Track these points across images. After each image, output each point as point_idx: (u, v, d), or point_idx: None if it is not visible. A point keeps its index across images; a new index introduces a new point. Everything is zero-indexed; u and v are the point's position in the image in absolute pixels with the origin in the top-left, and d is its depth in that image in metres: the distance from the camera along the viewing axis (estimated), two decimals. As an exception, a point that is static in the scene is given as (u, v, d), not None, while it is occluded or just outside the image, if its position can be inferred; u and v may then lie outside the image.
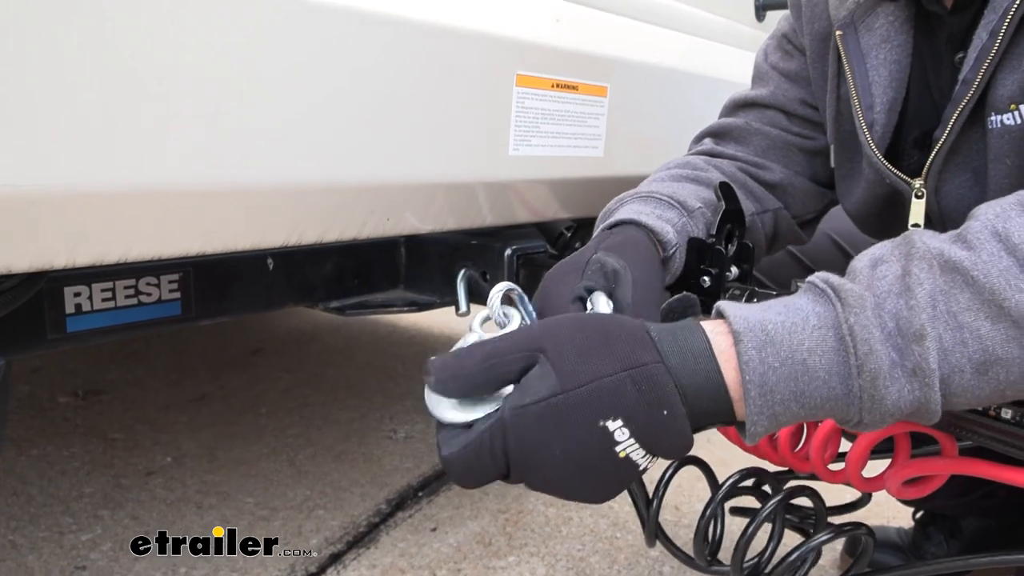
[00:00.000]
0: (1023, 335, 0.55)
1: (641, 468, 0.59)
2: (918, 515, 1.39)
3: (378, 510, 1.61)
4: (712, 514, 0.98)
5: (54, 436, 1.88)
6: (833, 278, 0.60)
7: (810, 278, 0.62)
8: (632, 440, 0.57)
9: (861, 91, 0.90)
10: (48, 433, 1.90)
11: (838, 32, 0.92)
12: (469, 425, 0.61)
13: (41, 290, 0.86)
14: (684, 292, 0.77)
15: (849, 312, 0.57)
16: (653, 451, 0.58)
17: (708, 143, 1.11)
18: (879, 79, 0.90)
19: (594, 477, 0.59)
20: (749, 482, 1.06)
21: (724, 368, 0.57)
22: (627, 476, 0.59)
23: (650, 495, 1.04)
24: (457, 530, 1.54)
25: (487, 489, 1.72)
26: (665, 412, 0.57)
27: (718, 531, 1.04)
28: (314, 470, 1.77)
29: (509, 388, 0.60)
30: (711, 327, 0.60)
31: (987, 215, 0.59)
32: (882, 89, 0.89)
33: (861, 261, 0.61)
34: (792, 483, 1.01)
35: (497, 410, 0.60)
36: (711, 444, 1.94)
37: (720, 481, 1.03)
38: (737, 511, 1.11)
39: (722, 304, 0.60)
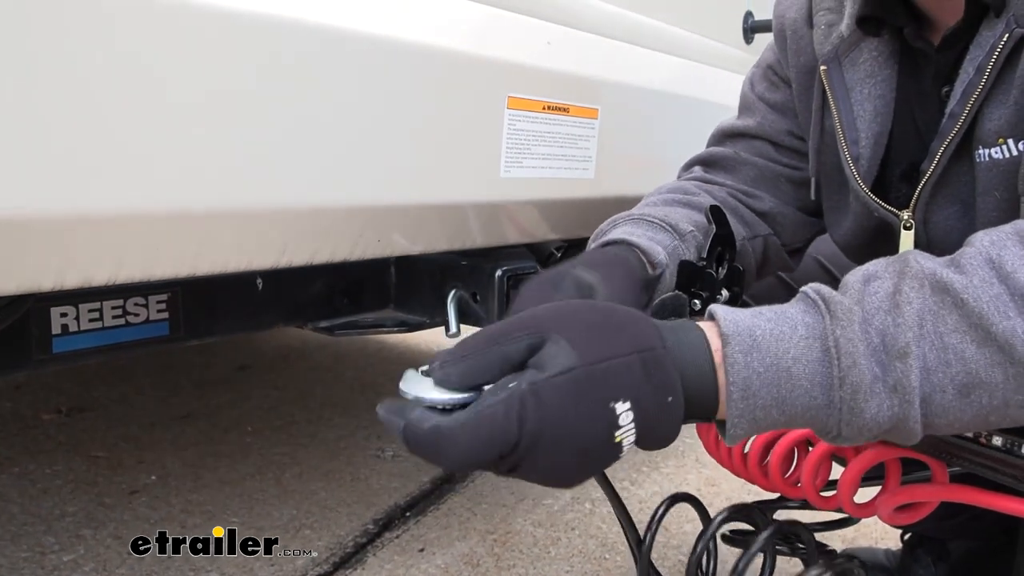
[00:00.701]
0: (1007, 361, 0.55)
1: (620, 456, 0.59)
2: (906, 537, 1.39)
3: (365, 530, 1.60)
4: (703, 548, 0.98)
5: (37, 454, 1.86)
6: (825, 290, 0.61)
7: (803, 288, 0.62)
8: (632, 426, 0.57)
9: (846, 126, 0.91)
10: (31, 451, 1.87)
11: (822, 67, 0.93)
12: (452, 409, 0.58)
13: (27, 311, 0.85)
14: (675, 291, 0.77)
15: (836, 324, 0.58)
16: (645, 440, 0.58)
17: (698, 171, 1.11)
18: (864, 113, 0.91)
19: (583, 459, 0.58)
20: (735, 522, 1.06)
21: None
22: (605, 462, 0.59)
23: (640, 534, 1.04)
24: (445, 551, 1.53)
25: (475, 509, 1.71)
26: (669, 399, 0.57)
27: (711, 566, 1.04)
28: (300, 489, 1.76)
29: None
30: (703, 327, 0.60)
31: (983, 242, 0.60)
32: (867, 124, 0.90)
33: (855, 276, 0.62)
34: (781, 517, 1.01)
35: (505, 384, 0.57)
36: (700, 464, 1.94)
37: (711, 513, 1.04)
38: (728, 540, 1.11)
39: (714, 307, 0.61)
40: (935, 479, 0.82)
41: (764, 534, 0.95)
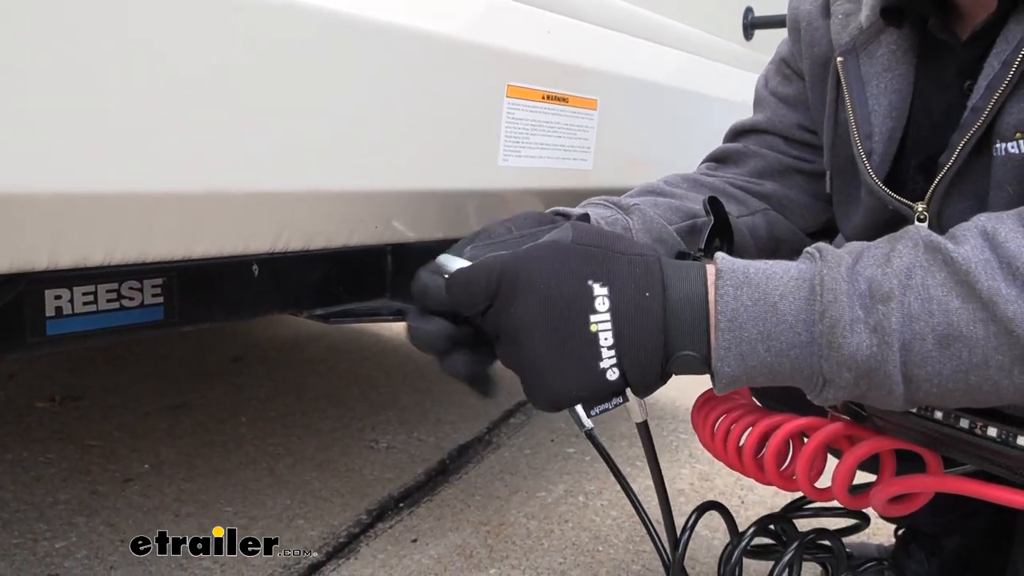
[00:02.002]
0: (990, 319, 0.57)
1: (603, 368, 0.61)
2: (899, 532, 1.39)
3: (358, 520, 1.60)
4: (736, 562, 0.99)
5: (30, 441, 1.85)
6: (825, 245, 0.64)
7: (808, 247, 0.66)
8: (608, 315, 0.60)
9: (860, 120, 0.90)
10: (24, 438, 1.87)
11: (839, 58, 0.92)
12: None
13: (21, 292, 0.84)
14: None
15: (824, 266, 0.61)
16: (621, 347, 0.61)
17: (704, 168, 1.12)
18: (879, 108, 0.90)
19: (560, 342, 0.61)
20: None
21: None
22: (588, 367, 0.61)
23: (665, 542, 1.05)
24: (438, 542, 1.53)
25: (469, 501, 1.71)
26: (647, 294, 0.61)
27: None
28: (294, 479, 1.75)
29: None
30: (704, 265, 0.64)
31: (980, 218, 0.62)
32: (881, 119, 0.90)
33: (858, 242, 0.65)
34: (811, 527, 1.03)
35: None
36: (693, 459, 1.94)
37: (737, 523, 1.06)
38: (752, 554, 1.12)
39: (717, 254, 0.64)
40: (929, 470, 0.82)
41: (792, 548, 0.97)
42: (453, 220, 1.09)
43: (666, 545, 1.04)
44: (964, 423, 0.72)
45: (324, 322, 1.20)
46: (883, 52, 0.90)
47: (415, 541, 1.53)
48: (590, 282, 0.61)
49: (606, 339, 0.61)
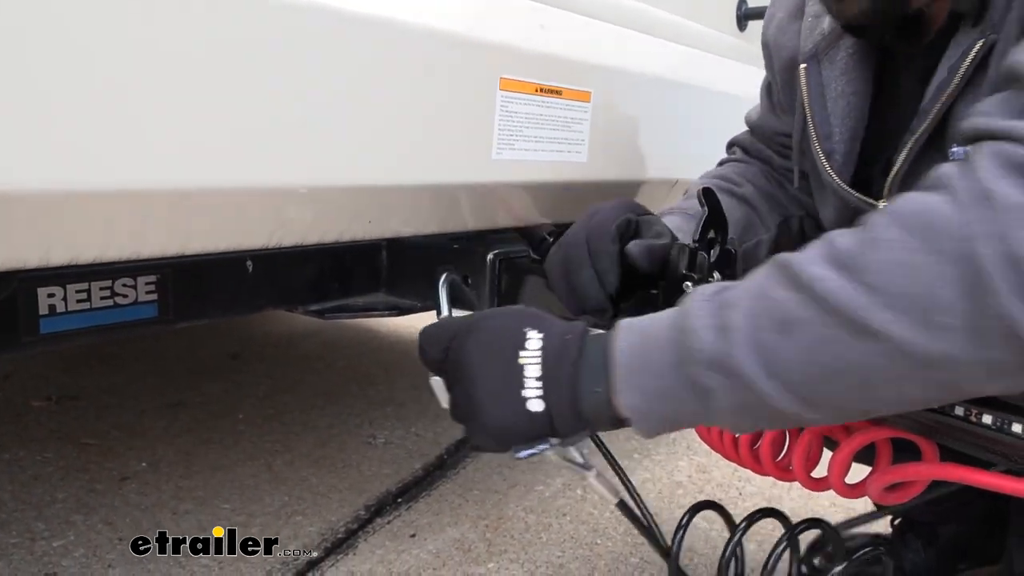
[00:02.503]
0: (812, 300, 0.64)
1: (526, 396, 0.71)
2: (896, 522, 1.39)
3: (356, 516, 1.60)
4: (731, 554, 1.00)
5: (27, 441, 1.85)
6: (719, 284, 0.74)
7: None
8: (537, 353, 0.72)
9: (819, 122, 0.96)
10: (21, 438, 1.86)
11: (803, 65, 0.97)
12: None
13: (14, 291, 0.84)
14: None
15: (693, 296, 0.71)
16: (546, 382, 0.71)
17: (739, 152, 1.25)
18: (837, 110, 0.95)
19: (492, 375, 0.73)
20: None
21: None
22: (514, 396, 0.71)
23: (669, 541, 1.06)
24: (436, 536, 1.53)
25: (467, 495, 1.71)
26: (568, 337, 0.73)
27: (740, 568, 1.06)
28: (292, 476, 1.75)
29: None
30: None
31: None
32: (840, 120, 0.95)
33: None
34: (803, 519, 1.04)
35: None
36: (691, 451, 1.94)
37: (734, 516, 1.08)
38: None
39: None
40: (925, 458, 0.82)
41: (785, 538, 0.98)
42: (447, 214, 1.09)
43: (664, 540, 1.05)
44: (959, 411, 0.73)
45: (320, 318, 1.20)
46: (842, 56, 0.94)
47: (413, 536, 1.53)
48: (526, 329, 0.74)
49: (532, 371, 0.72)
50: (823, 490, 0.92)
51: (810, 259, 0.66)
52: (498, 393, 0.72)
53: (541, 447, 0.74)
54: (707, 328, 0.68)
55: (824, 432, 0.90)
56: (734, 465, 1.06)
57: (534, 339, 0.73)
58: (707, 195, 0.97)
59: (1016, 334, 0.59)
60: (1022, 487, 0.72)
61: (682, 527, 1.03)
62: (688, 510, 1.05)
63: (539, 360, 0.72)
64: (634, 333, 0.72)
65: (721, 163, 1.30)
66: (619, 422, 0.73)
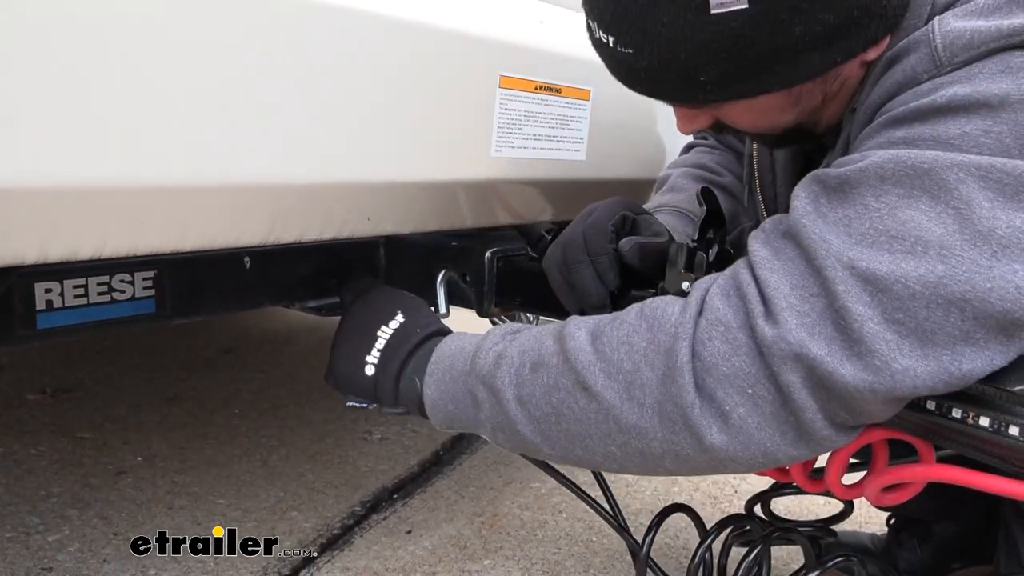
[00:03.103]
0: (562, 353, 0.79)
1: (367, 360, 0.92)
2: (891, 521, 1.40)
3: (352, 512, 1.60)
4: (700, 559, 1.01)
5: (22, 434, 1.84)
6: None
7: None
8: (391, 333, 0.93)
9: (765, 184, 1.07)
10: (15, 431, 1.86)
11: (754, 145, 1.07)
12: None
13: (11, 286, 0.84)
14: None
15: (500, 326, 0.90)
16: (384, 353, 0.91)
17: (711, 139, 1.29)
18: (782, 174, 1.05)
19: (357, 333, 0.95)
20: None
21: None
22: (359, 357, 0.92)
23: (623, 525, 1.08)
24: (432, 533, 1.53)
25: (463, 492, 1.71)
26: (419, 331, 0.93)
27: (708, 572, 1.07)
28: (287, 471, 1.75)
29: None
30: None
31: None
32: (783, 182, 1.05)
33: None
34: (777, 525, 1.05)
35: None
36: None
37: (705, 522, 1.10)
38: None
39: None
40: (922, 459, 0.82)
41: (758, 547, 1.00)
42: (446, 211, 1.09)
43: (635, 539, 1.07)
44: (956, 413, 0.73)
45: (317, 314, 1.19)
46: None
47: (409, 532, 1.53)
48: (397, 310, 0.95)
49: (380, 344, 0.92)
50: (821, 490, 0.92)
51: (579, 324, 0.81)
52: (352, 349, 0.93)
53: (363, 405, 0.94)
54: (491, 351, 0.84)
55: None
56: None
57: (396, 321, 0.93)
58: (706, 195, 0.97)
59: (691, 424, 0.71)
60: (1016, 488, 0.72)
61: (652, 528, 1.04)
62: (657, 514, 1.06)
63: (388, 338, 0.91)
64: (455, 342, 0.89)
65: (689, 148, 1.30)
66: (423, 411, 0.89)
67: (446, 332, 0.94)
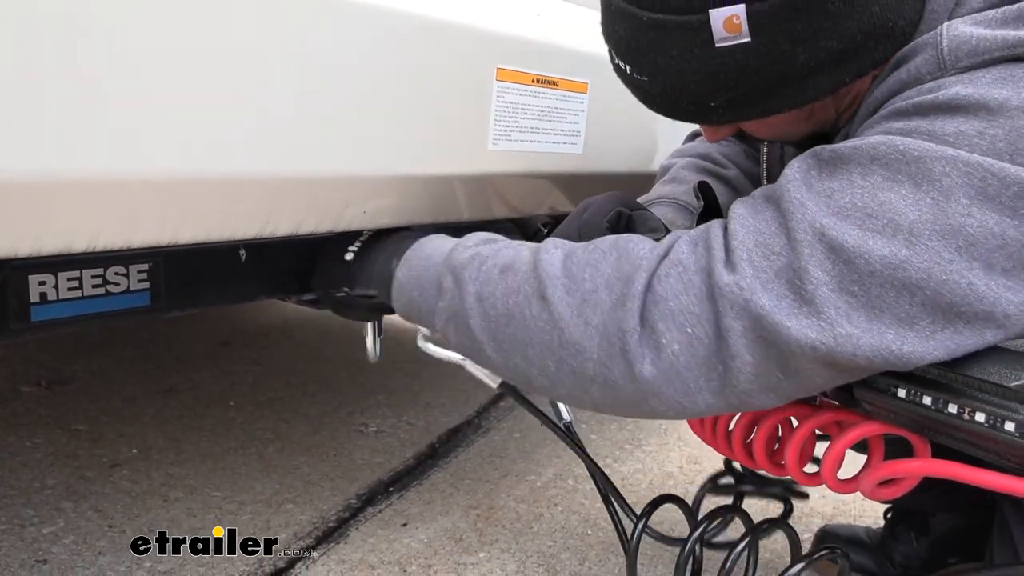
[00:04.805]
0: (532, 263, 0.83)
1: (348, 251, 1.02)
2: (888, 514, 1.40)
3: (348, 505, 1.60)
4: (690, 551, 1.01)
5: (16, 426, 1.84)
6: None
7: None
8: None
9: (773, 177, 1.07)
10: (10, 423, 1.85)
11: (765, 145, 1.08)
12: None
13: (4, 278, 0.83)
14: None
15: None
16: (364, 245, 1.03)
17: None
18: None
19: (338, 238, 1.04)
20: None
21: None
22: (342, 250, 1.03)
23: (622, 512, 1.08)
24: (428, 525, 1.53)
25: (458, 485, 1.71)
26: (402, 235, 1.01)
27: (697, 566, 1.07)
28: (283, 464, 1.75)
29: None
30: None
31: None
32: None
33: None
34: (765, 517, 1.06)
35: None
36: (682, 442, 1.95)
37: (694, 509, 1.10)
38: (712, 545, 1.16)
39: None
40: (917, 454, 0.82)
41: (746, 539, 1.00)
42: (442, 204, 1.08)
43: (626, 531, 1.08)
44: (952, 408, 0.73)
45: (313, 307, 1.19)
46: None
47: (405, 525, 1.53)
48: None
49: (363, 236, 1.02)
50: (816, 485, 0.92)
51: (557, 243, 0.84)
52: (335, 246, 1.03)
53: (335, 292, 1.03)
54: (467, 248, 0.89)
55: (817, 427, 0.90)
56: (725, 456, 1.06)
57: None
58: (703, 189, 0.97)
59: (626, 350, 0.75)
60: (1012, 484, 0.73)
61: (644, 517, 1.04)
62: (648, 504, 1.06)
63: (371, 232, 1.01)
64: (438, 238, 0.95)
65: (695, 135, 1.30)
66: (390, 294, 0.95)
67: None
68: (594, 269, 0.79)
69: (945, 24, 0.75)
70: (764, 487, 1.19)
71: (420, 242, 0.96)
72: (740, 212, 0.76)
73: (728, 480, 1.28)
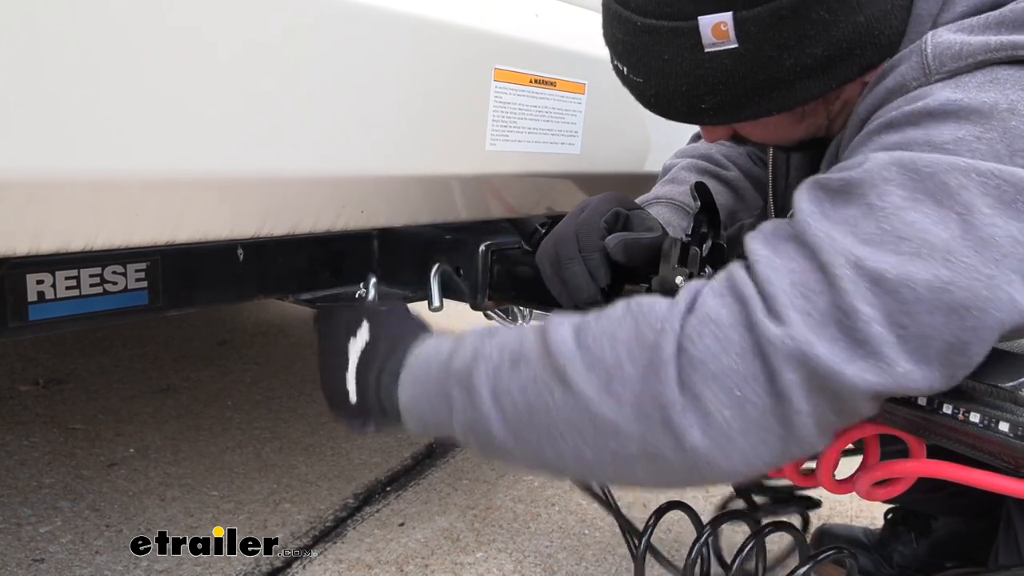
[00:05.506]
0: (544, 347, 0.76)
1: (347, 377, 0.87)
2: (890, 515, 1.40)
3: (345, 504, 1.60)
4: (697, 555, 1.01)
5: (13, 425, 1.84)
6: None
7: None
8: (361, 346, 0.88)
9: (779, 193, 1.09)
10: (7, 422, 1.85)
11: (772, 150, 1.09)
12: None
13: (2, 277, 0.83)
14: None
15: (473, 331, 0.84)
16: (362, 373, 0.87)
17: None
18: (794, 178, 1.06)
19: (327, 353, 0.91)
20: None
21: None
22: (339, 374, 0.88)
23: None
24: (425, 525, 1.53)
25: (456, 485, 1.71)
26: (385, 356, 0.87)
27: (707, 566, 1.07)
28: (281, 463, 1.75)
29: None
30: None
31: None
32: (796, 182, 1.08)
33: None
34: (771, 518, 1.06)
35: None
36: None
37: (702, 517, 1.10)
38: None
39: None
40: (912, 454, 0.83)
41: (752, 538, 1.00)
42: (440, 205, 1.09)
43: (634, 540, 1.08)
44: (947, 409, 0.73)
45: (311, 307, 1.19)
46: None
47: (402, 525, 1.53)
48: (362, 319, 0.90)
49: (352, 363, 0.88)
50: (813, 486, 0.93)
51: (563, 319, 0.78)
52: (331, 378, 0.90)
53: (366, 430, 0.89)
54: (468, 350, 0.80)
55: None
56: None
57: (362, 332, 0.89)
58: (700, 189, 0.97)
59: (670, 424, 0.69)
60: (1007, 484, 0.73)
61: (649, 527, 1.04)
62: (654, 512, 1.06)
63: (359, 353, 0.88)
64: (430, 344, 0.85)
65: (699, 136, 1.30)
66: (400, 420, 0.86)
67: (418, 331, 0.89)
68: (612, 340, 0.73)
69: (930, 32, 0.76)
70: (778, 505, 1.16)
71: (413, 354, 0.85)
72: (762, 255, 0.72)
73: (737, 503, 1.27)
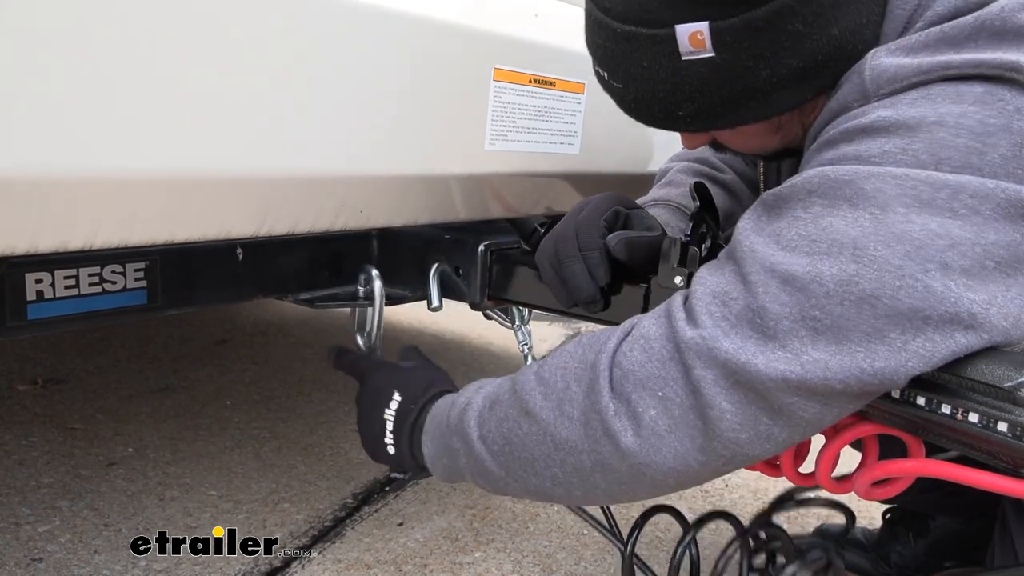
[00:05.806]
0: (512, 387, 0.87)
1: (386, 442, 0.99)
2: (888, 515, 1.40)
3: (344, 504, 1.60)
4: (681, 556, 1.01)
5: (12, 425, 1.84)
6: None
7: None
8: (393, 414, 0.98)
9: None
10: (6, 421, 1.85)
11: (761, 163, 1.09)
12: None
13: (1, 276, 0.83)
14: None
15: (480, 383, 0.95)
16: (396, 436, 0.98)
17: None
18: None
19: (369, 421, 1.01)
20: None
21: None
22: (380, 441, 0.99)
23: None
24: (424, 525, 1.53)
25: (455, 485, 1.71)
26: (413, 407, 0.98)
27: (695, 570, 1.07)
28: (279, 463, 1.75)
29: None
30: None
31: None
32: None
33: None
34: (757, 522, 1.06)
35: None
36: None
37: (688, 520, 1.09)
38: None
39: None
40: (911, 454, 0.83)
41: (735, 540, 1.00)
42: (439, 205, 1.09)
43: (622, 538, 1.08)
44: (946, 409, 0.73)
45: (309, 306, 1.19)
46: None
47: (401, 524, 1.53)
48: (393, 390, 1.00)
49: (389, 426, 0.98)
50: (811, 485, 0.93)
51: (531, 364, 0.89)
52: (371, 435, 1.01)
53: (402, 477, 1.04)
54: (461, 403, 0.91)
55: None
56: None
57: (395, 401, 0.99)
58: (699, 189, 0.98)
59: (608, 428, 0.76)
60: (1005, 484, 0.73)
61: (636, 529, 1.04)
62: (640, 516, 1.06)
63: (393, 420, 0.98)
64: (443, 401, 0.96)
65: None
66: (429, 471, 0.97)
67: (442, 390, 0.99)
68: (563, 370, 0.83)
69: (870, 53, 0.78)
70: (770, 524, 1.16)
71: (430, 413, 0.96)
72: (701, 275, 0.79)
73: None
